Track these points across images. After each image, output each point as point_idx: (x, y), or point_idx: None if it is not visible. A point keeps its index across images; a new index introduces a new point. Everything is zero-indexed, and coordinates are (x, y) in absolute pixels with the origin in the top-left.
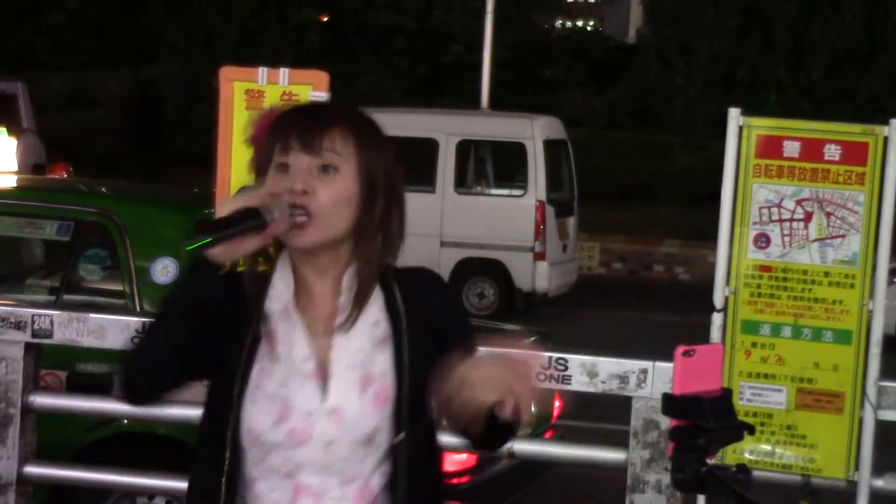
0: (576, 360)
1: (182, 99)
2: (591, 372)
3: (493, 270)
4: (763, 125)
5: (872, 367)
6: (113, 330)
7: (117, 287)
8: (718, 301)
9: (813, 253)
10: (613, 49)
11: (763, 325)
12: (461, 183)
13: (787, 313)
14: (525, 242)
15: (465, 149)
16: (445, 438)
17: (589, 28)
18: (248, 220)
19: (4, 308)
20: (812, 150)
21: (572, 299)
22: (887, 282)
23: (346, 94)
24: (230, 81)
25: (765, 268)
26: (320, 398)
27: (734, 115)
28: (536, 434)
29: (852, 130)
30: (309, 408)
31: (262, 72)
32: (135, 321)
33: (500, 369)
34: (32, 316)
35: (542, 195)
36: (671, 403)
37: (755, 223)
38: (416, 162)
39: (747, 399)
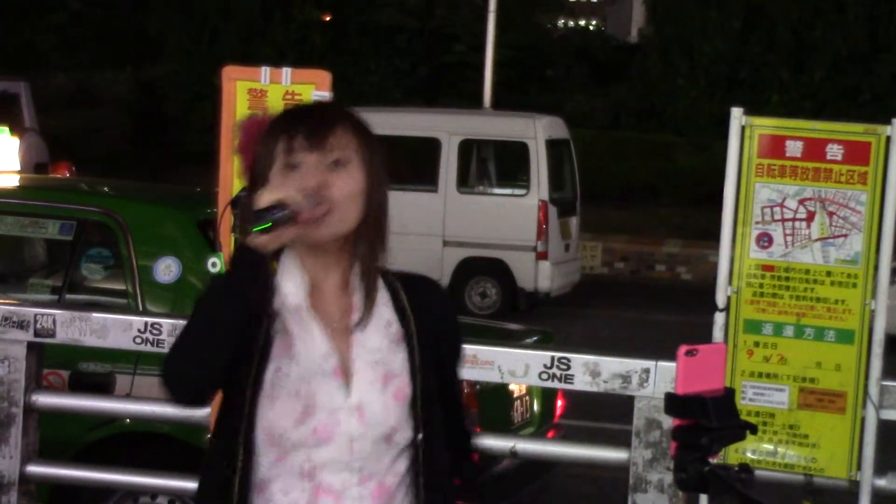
0: (578, 360)
1: (185, 98)
2: (593, 371)
3: (496, 270)
4: (766, 125)
5: (875, 367)
6: (115, 329)
7: (120, 286)
8: (721, 301)
9: (815, 252)
10: (616, 49)
11: (765, 325)
12: (463, 182)
13: (789, 313)
14: (527, 242)
15: (468, 148)
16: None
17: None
18: (281, 211)
19: (7, 307)
20: (814, 149)
21: (575, 299)
22: (889, 281)
23: (349, 93)
24: (233, 81)
25: (767, 267)
26: (344, 395)
27: (737, 115)
28: (539, 433)
29: (855, 130)
30: (333, 405)
31: (265, 71)
32: (137, 320)
33: None
34: (35, 315)
35: (545, 195)
36: (674, 403)
37: (757, 223)
38: (419, 161)
39: (750, 398)
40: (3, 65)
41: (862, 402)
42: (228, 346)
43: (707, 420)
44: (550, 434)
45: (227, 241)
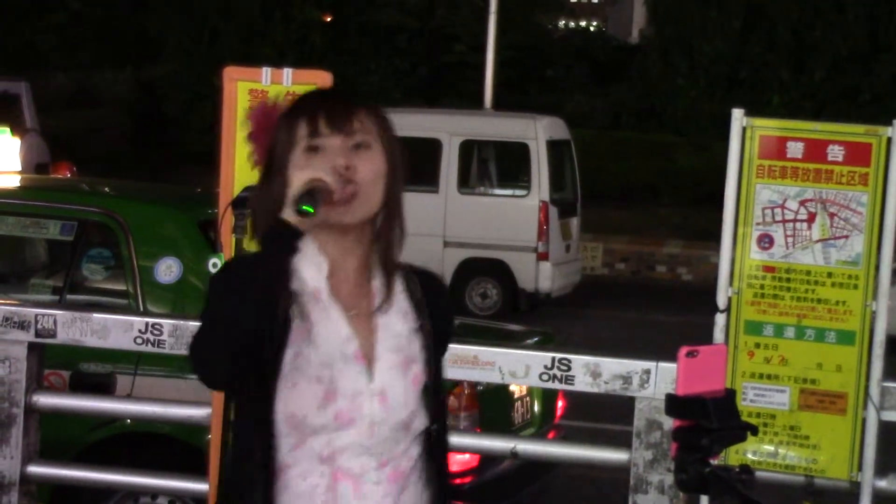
0: (579, 361)
1: (185, 98)
2: (594, 372)
3: (497, 270)
4: (766, 126)
5: (876, 368)
6: (116, 330)
7: (121, 287)
8: (721, 302)
9: (816, 253)
10: (616, 49)
11: (766, 326)
12: (464, 183)
13: (790, 314)
14: (528, 243)
15: (469, 149)
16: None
17: (592, 28)
18: (317, 194)
19: (8, 308)
20: (815, 150)
21: (575, 300)
22: (891, 282)
23: None
24: (234, 81)
25: (768, 268)
26: (366, 380)
27: (737, 116)
28: (540, 434)
29: (855, 131)
30: (355, 389)
31: (266, 72)
32: (138, 321)
33: None
34: (36, 316)
35: (546, 195)
36: (674, 404)
37: (758, 224)
38: (420, 162)
39: (750, 400)
40: (4, 65)
41: (863, 404)
42: (262, 325)
43: (708, 421)
44: (551, 435)
45: (228, 241)
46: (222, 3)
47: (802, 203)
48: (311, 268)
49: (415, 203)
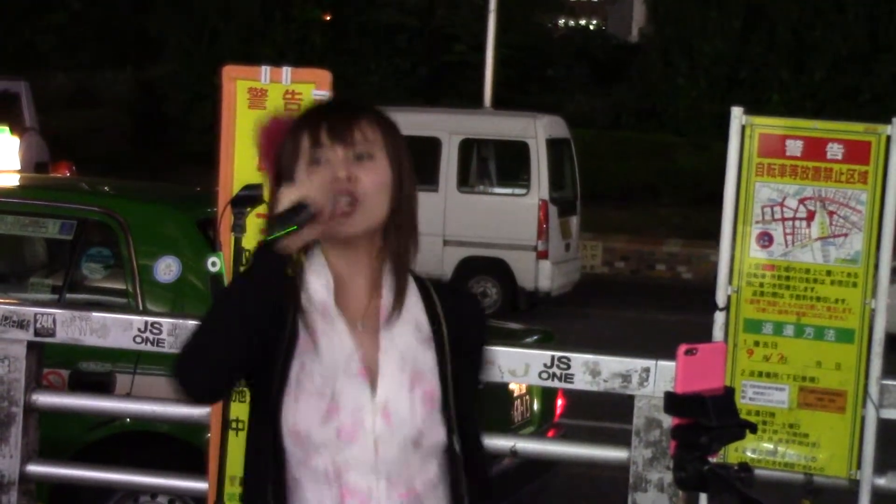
0: (578, 359)
1: (185, 98)
2: (593, 371)
3: (496, 269)
4: (766, 124)
5: (875, 366)
6: (115, 329)
7: (120, 286)
8: (721, 300)
9: (815, 252)
10: (616, 48)
11: (765, 324)
12: (464, 182)
13: (789, 312)
14: (528, 241)
15: (468, 148)
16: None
17: (592, 27)
18: (303, 211)
19: (7, 307)
20: (815, 148)
21: (575, 298)
22: (890, 280)
23: (349, 93)
24: (233, 80)
25: (767, 266)
26: (370, 394)
27: (737, 115)
28: (539, 433)
29: (855, 129)
30: (358, 404)
31: (265, 70)
32: (137, 320)
33: None
34: (35, 314)
35: (545, 194)
36: (673, 402)
37: (758, 222)
38: (419, 161)
39: (749, 398)
40: (4, 65)
41: (862, 402)
42: (243, 347)
43: (707, 419)
44: (550, 433)
45: (227, 240)
46: (222, 3)
47: (802, 201)
48: (318, 281)
49: None
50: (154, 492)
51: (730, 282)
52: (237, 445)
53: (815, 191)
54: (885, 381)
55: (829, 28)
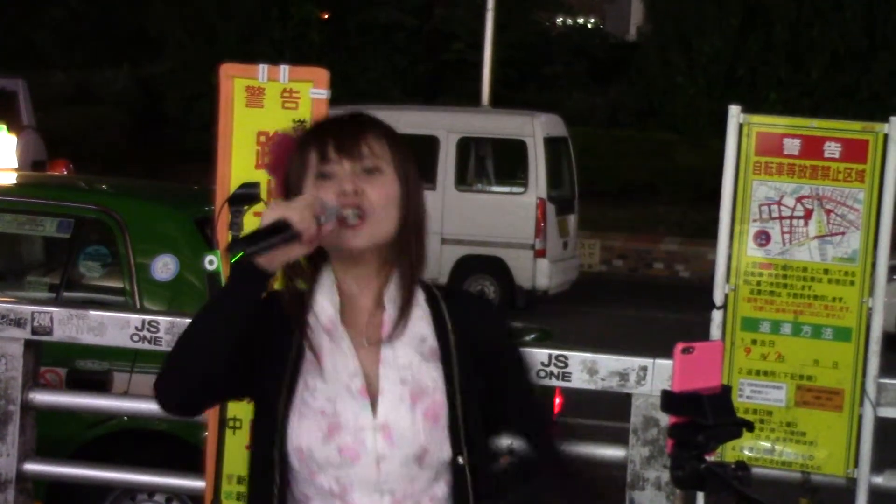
0: (576, 358)
1: (183, 96)
2: (591, 369)
3: (494, 268)
4: (763, 122)
5: (872, 365)
6: (113, 327)
7: (117, 284)
8: (718, 298)
9: (813, 250)
10: (614, 47)
11: (763, 323)
12: (462, 180)
13: (786, 310)
14: (526, 240)
15: (466, 146)
16: None
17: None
18: (281, 232)
19: (4, 305)
20: (812, 147)
21: (573, 297)
22: (887, 279)
23: (348, 91)
24: (230, 78)
25: (765, 265)
26: (370, 414)
27: (734, 113)
28: None
29: (852, 128)
30: (358, 424)
31: (263, 69)
32: (135, 318)
33: None
34: (32, 313)
35: (543, 192)
36: (671, 400)
37: (755, 220)
38: (417, 159)
39: (747, 396)
40: (1, 63)
41: (859, 400)
42: (217, 363)
43: (704, 417)
44: None
45: (225, 238)
46: (220, 1)
47: (799, 200)
48: (325, 300)
49: None
50: (151, 490)
51: (727, 280)
52: (234, 444)
53: (812, 189)
54: (882, 380)
55: (826, 26)
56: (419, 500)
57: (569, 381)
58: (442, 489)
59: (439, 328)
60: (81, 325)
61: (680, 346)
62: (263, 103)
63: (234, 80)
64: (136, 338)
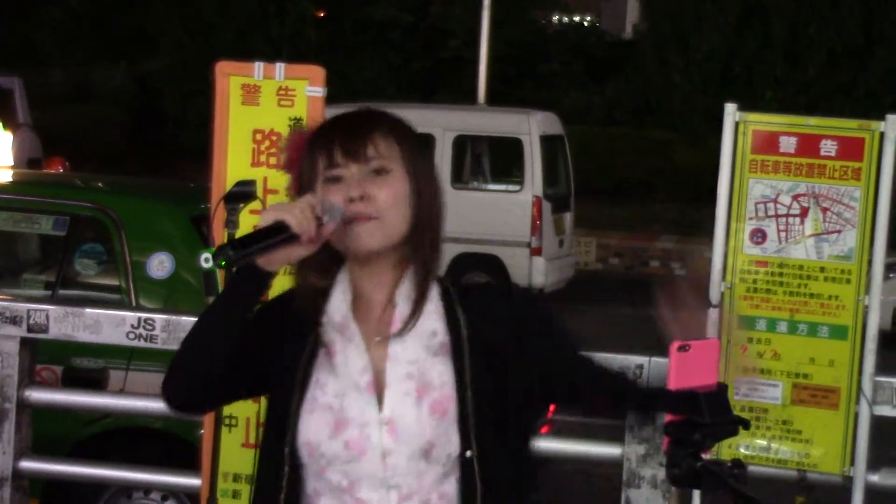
0: None
1: (180, 94)
2: None
3: (490, 266)
4: (759, 121)
5: (868, 363)
6: (108, 325)
7: (113, 282)
8: (714, 296)
9: (809, 248)
10: (610, 44)
11: (759, 321)
12: (458, 178)
13: (782, 308)
14: (521, 238)
15: (462, 144)
16: None
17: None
18: (276, 234)
19: (0, 303)
20: (808, 145)
21: (568, 295)
22: (883, 277)
23: (344, 89)
24: (226, 76)
25: (761, 263)
26: (376, 409)
27: (730, 111)
28: None
29: (848, 126)
30: (364, 419)
31: (259, 66)
32: (131, 316)
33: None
34: (28, 311)
35: (539, 190)
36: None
37: (751, 218)
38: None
39: (743, 394)
40: (1, 60)
41: (855, 398)
42: (217, 363)
43: (700, 416)
44: (544, 430)
45: (221, 236)
46: (219, 0)
47: (795, 198)
48: (338, 298)
49: None
50: (147, 488)
51: (723, 278)
52: (230, 441)
53: (808, 187)
54: (878, 378)
55: (823, 24)
56: (427, 496)
57: None
58: (451, 485)
59: (451, 323)
60: (77, 323)
61: (676, 345)
62: (259, 101)
63: (230, 78)
64: (131, 335)
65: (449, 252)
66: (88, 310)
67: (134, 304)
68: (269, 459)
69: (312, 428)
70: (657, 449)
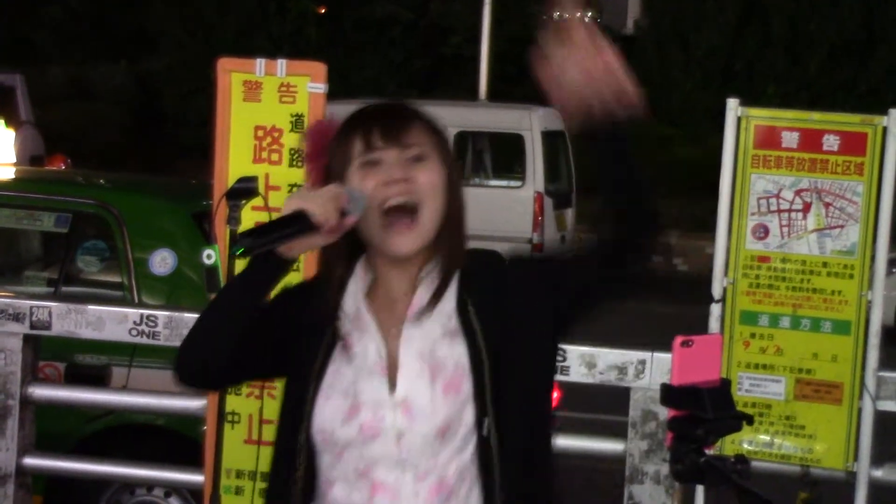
0: (574, 352)
1: (180, 91)
2: (589, 363)
3: None
4: (761, 116)
5: (871, 358)
6: (111, 321)
7: (115, 279)
8: (717, 292)
9: (811, 243)
10: (611, 41)
11: (762, 316)
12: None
13: (785, 304)
14: (523, 234)
15: (464, 140)
16: None
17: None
18: (296, 223)
19: (3, 300)
20: (810, 140)
21: None
22: (886, 272)
23: (345, 85)
24: (228, 73)
25: (763, 258)
26: (388, 391)
27: (732, 106)
28: None
29: (851, 121)
30: (377, 400)
31: (260, 63)
32: (133, 312)
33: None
34: (31, 308)
35: (541, 186)
36: (670, 394)
37: (753, 214)
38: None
39: (746, 389)
40: (0, 58)
41: (858, 393)
42: (222, 345)
43: (703, 411)
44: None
45: (223, 233)
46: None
47: (798, 193)
48: (357, 284)
49: None
50: (150, 484)
51: (726, 274)
52: (233, 438)
53: (811, 182)
54: (881, 373)
55: (824, 19)
56: (443, 473)
57: (567, 374)
58: (468, 461)
59: (460, 303)
60: (80, 320)
61: (679, 340)
62: (261, 97)
63: (232, 75)
64: (134, 332)
65: None
66: (91, 306)
67: (136, 300)
68: (284, 449)
69: (327, 414)
70: (660, 444)
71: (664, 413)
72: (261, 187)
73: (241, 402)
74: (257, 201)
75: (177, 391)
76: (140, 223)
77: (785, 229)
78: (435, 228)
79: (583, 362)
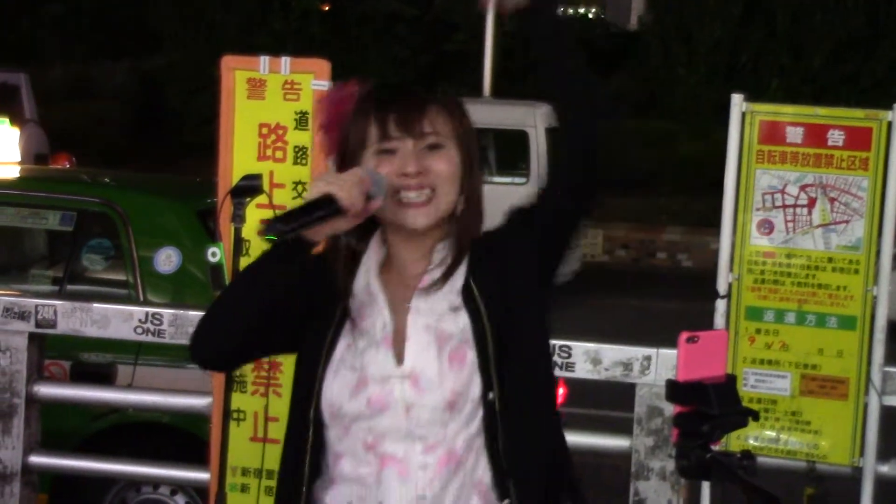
0: (579, 348)
1: (184, 89)
2: (594, 359)
3: None
4: (766, 111)
5: (877, 353)
6: (116, 319)
7: (120, 277)
8: (722, 287)
9: (817, 239)
10: (615, 37)
11: (767, 312)
12: None
13: (791, 299)
14: None
15: None
16: None
17: (590, 16)
18: (322, 208)
19: (8, 298)
20: (815, 135)
21: (576, 287)
22: (892, 267)
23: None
24: (232, 70)
25: (768, 254)
26: (395, 363)
27: (737, 101)
28: None
29: (856, 115)
30: (384, 373)
31: (264, 60)
32: (138, 311)
33: None
34: (36, 306)
35: (545, 183)
36: (675, 390)
37: (758, 209)
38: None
39: (751, 385)
40: (3, 57)
41: (864, 389)
42: (249, 320)
43: (708, 407)
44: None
45: (227, 230)
46: None
47: (803, 188)
48: (371, 260)
49: None
50: (156, 482)
51: (731, 269)
52: (238, 436)
53: (815, 178)
54: (887, 368)
55: (828, 14)
56: (452, 443)
57: (572, 371)
58: (475, 430)
59: (466, 281)
60: (85, 318)
61: (684, 336)
62: (265, 95)
63: (236, 73)
64: (139, 330)
65: None
66: (96, 305)
67: (141, 298)
68: (295, 425)
69: (335, 389)
70: (666, 440)
71: (670, 409)
72: (265, 185)
73: (247, 399)
74: (262, 199)
75: (182, 389)
76: (145, 221)
77: (790, 225)
78: (450, 209)
79: (588, 359)
